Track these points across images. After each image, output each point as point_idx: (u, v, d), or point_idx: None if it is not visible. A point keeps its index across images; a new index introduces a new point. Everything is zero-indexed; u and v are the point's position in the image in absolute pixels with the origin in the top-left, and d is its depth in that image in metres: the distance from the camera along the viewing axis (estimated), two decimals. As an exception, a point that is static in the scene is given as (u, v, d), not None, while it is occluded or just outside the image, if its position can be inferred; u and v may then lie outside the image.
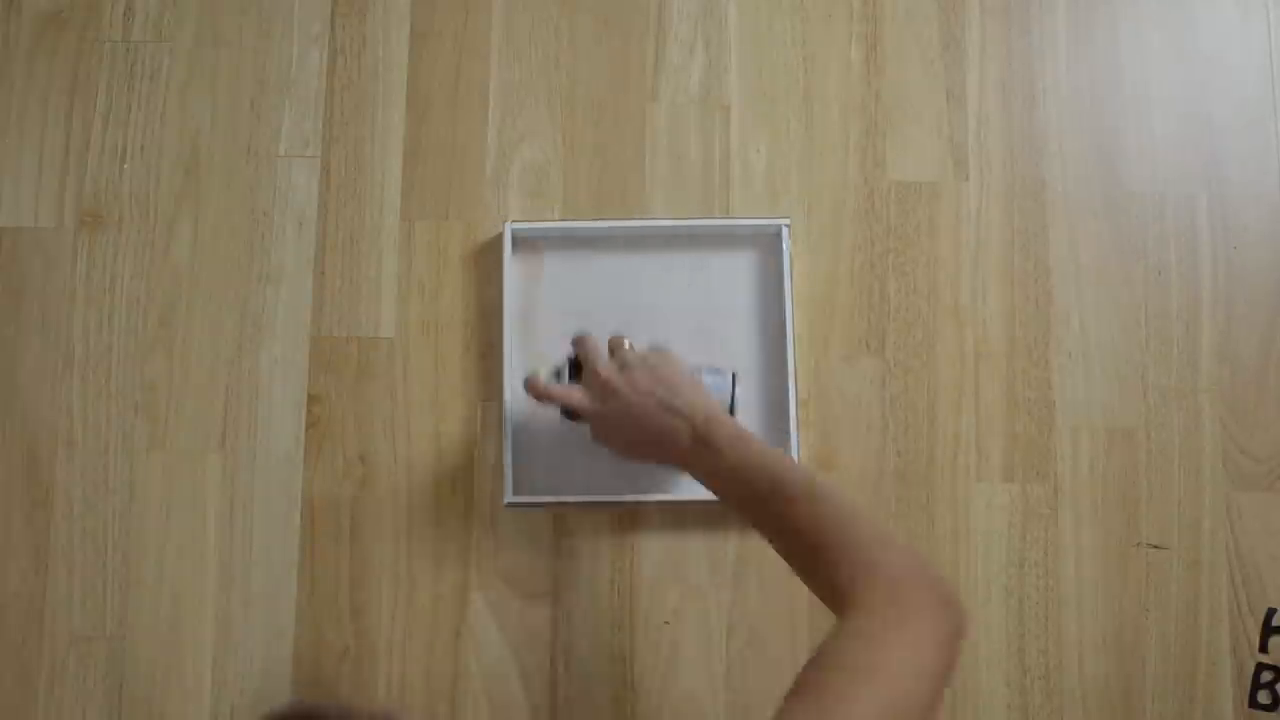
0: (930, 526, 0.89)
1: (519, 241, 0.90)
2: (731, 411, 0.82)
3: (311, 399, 0.89)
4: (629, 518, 0.88)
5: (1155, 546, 0.89)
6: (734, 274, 0.91)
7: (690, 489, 0.88)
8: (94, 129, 0.92)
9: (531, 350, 0.90)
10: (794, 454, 0.87)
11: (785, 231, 0.89)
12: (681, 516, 0.88)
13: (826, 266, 0.92)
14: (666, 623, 0.87)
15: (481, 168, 0.92)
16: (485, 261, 0.91)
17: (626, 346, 0.83)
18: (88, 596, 0.87)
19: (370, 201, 0.92)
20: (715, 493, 0.75)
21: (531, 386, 0.81)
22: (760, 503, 0.70)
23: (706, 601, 0.88)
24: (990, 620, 0.88)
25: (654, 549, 0.88)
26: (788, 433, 0.87)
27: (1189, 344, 0.91)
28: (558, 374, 0.84)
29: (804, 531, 0.68)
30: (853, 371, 0.90)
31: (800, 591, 0.87)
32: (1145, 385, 0.91)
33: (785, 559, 0.70)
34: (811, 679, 0.58)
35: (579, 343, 0.83)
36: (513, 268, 0.89)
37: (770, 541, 0.71)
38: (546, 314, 0.90)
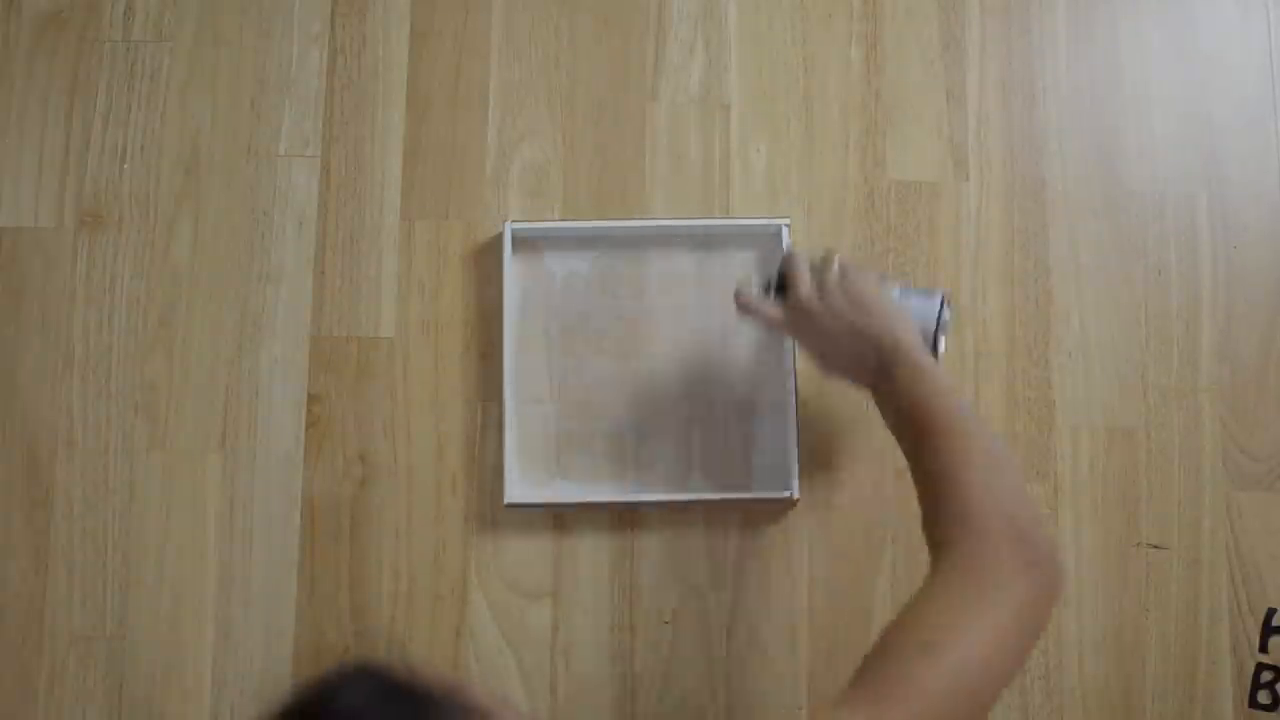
0: (930, 526, 0.89)
1: (519, 241, 0.90)
2: (936, 336, 0.80)
3: (311, 399, 0.89)
4: (629, 518, 0.88)
5: (1155, 546, 0.89)
6: (734, 274, 0.91)
7: (690, 489, 0.88)
8: (94, 129, 0.92)
9: (531, 351, 0.89)
10: (793, 453, 0.87)
11: (785, 231, 0.89)
12: (681, 516, 0.88)
13: (826, 266, 0.92)
14: (666, 622, 0.87)
15: (481, 168, 0.92)
16: (485, 261, 0.91)
17: (835, 264, 0.80)
18: (88, 596, 0.87)
19: (370, 201, 0.92)
20: (889, 425, 0.75)
21: (738, 299, 0.81)
22: (910, 439, 0.71)
23: (706, 601, 0.88)
24: (990, 620, 0.88)
25: (654, 549, 0.88)
26: (784, 429, 0.87)
27: (1189, 344, 0.91)
28: (766, 288, 0.83)
29: (925, 470, 0.68)
30: (853, 371, 0.90)
31: (800, 591, 0.87)
32: (1145, 385, 0.91)
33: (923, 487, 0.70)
34: (885, 647, 0.59)
35: (786, 260, 0.82)
36: (513, 267, 0.89)
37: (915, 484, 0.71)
38: (546, 313, 0.90)
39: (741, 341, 0.90)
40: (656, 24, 0.95)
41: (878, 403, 0.76)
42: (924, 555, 0.88)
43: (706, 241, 0.91)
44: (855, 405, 0.90)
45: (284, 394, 0.89)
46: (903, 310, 0.78)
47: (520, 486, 0.87)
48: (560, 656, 0.87)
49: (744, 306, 0.82)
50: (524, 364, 0.89)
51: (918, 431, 0.70)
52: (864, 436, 0.90)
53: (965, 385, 0.90)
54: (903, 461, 0.89)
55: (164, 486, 0.88)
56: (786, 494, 0.86)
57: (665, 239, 0.91)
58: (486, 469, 0.88)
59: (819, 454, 0.89)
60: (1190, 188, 0.94)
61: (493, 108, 0.93)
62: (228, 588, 0.87)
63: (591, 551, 0.88)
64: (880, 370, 0.75)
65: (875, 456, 0.89)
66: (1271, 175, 0.94)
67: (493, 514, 0.88)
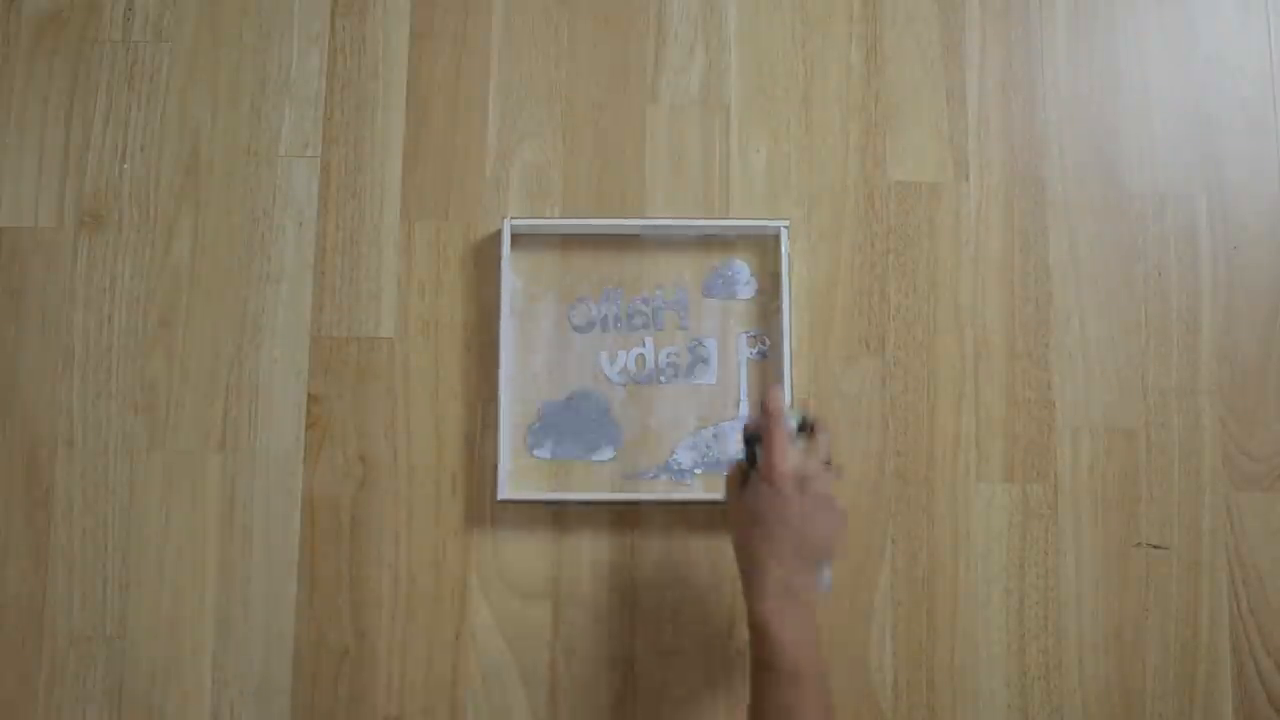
0: (930, 526, 0.89)
1: (518, 239, 0.90)
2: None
3: (311, 399, 0.89)
4: (629, 517, 0.88)
5: (1155, 546, 0.89)
6: (734, 274, 0.91)
7: (689, 489, 0.88)
8: (94, 129, 0.92)
9: (530, 348, 0.90)
10: None
11: (784, 234, 0.89)
12: (681, 516, 0.88)
13: (826, 266, 0.92)
14: (667, 622, 0.87)
15: (481, 168, 0.92)
16: (485, 261, 0.91)
17: (822, 447, 0.77)
18: (88, 596, 0.87)
19: (370, 201, 0.92)
20: (765, 639, 0.72)
21: (769, 404, 0.75)
22: (788, 677, 0.70)
23: (706, 601, 0.88)
24: (990, 620, 0.88)
25: (654, 549, 0.88)
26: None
27: (1189, 344, 0.91)
28: (747, 443, 0.77)
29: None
30: (853, 371, 0.90)
31: (800, 591, 0.87)
32: (1145, 385, 0.91)
33: None
34: None
35: (767, 416, 0.76)
36: (511, 264, 0.89)
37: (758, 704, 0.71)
38: (544, 311, 0.91)
39: (741, 342, 0.90)
40: (656, 24, 0.95)
41: (753, 635, 0.73)
42: (924, 556, 0.88)
43: (707, 242, 0.91)
44: (853, 406, 0.90)
45: (284, 394, 0.89)
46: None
47: (514, 483, 0.87)
48: (560, 656, 0.87)
49: (770, 414, 0.75)
50: (522, 363, 0.89)
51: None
52: (862, 437, 0.90)
53: (965, 385, 0.90)
54: (900, 462, 0.90)
55: (164, 486, 0.88)
56: None
57: (665, 239, 0.91)
58: (486, 469, 0.88)
59: (819, 454, 0.89)
60: (1190, 188, 0.94)
61: (493, 108, 0.93)
62: (228, 588, 0.87)
63: (591, 552, 0.88)
64: (774, 608, 0.72)
65: (875, 456, 0.90)
66: (1271, 176, 0.94)
67: (492, 514, 0.88)
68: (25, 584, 0.87)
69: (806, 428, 0.77)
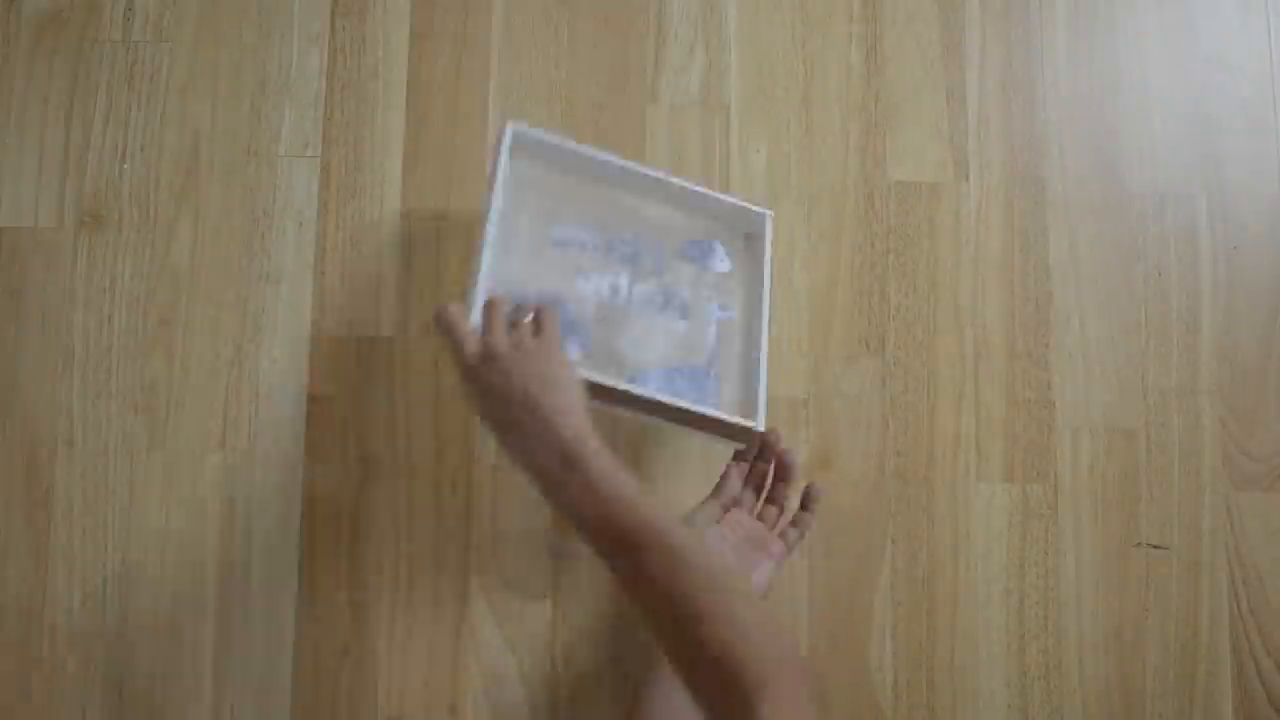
0: (930, 526, 0.89)
1: (515, 149, 0.84)
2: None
3: (311, 399, 0.89)
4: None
5: (1155, 546, 0.89)
6: (709, 248, 0.89)
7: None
8: (94, 129, 0.92)
9: (506, 249, 0.84)
10: (762, 395, 0.83)
11: (768, 221, 0.87)
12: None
13: (826, 266, 0.92)
14: (666, 623, 0.87)
15: (481, 168, 0.92)
16: (485, 261, 0.90)
17: (530, 314, 0.73)
18: (88, 596, 0.87)
19: (370, 202, 0.92)
20: (575, 522, 0.67)
21: (438, 315, 0.70)
22: (621, 548, 0.64)
23: (706, 601, 0.88)
24: (990, 620, 0.88)
25: (654, 549, 0.88)
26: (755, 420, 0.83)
27: (1189, 344, 0.92)
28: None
29: (667, 594, 0.61)
30: (853, 371, 0.90)
31: (800, 590, 0.88)
32: (1145, 385, 0.91)
33: (644, 619, 0.64)
34: None
35: (486, 306, 0.73)
36: (506, 170, 0.83)
37: (627, 595, 0.65)
38: (524, 223, 0.85)
39: (733, 333, 0.89)
40: (656, 24, 0.95)
41: (558, 502, 0.67)
42: (924, 556, 0.88)
43: (701, 228, 0.88)
44: (853, 406, 0.90)
45: (284, 394, 0.89)
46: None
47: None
48: (560, 656, 0.87)
49: (443, 324, 0.71)
50: (501, 266, 0.82)
51: (628, 537, 0.63)
52: (861, 437, 0.90)
53: (965, 385, 0.90)
54: (900, 462, 0.90)
55: (164, 486, 0.88)
56: (751, 425, 0.82)
57: (663, 224, 0.87)
58: (486, 469, 0.88)
59: (818, 454, 0.89)
60: (1190, 189, 0.94)
61: (493, 108, 0.93)
62: (228, 588, 0.87)
63: (591, 551, 0.88)
64: (567, 459, 0.66)
65: (875, 456, 0.90)
66: (1271, 176, 0.94)
67: (493, 514, 0.88)
68: (25, 584, 0.87)
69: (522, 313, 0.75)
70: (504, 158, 0.83)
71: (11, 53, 0.93)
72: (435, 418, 0.89)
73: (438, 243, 0.91)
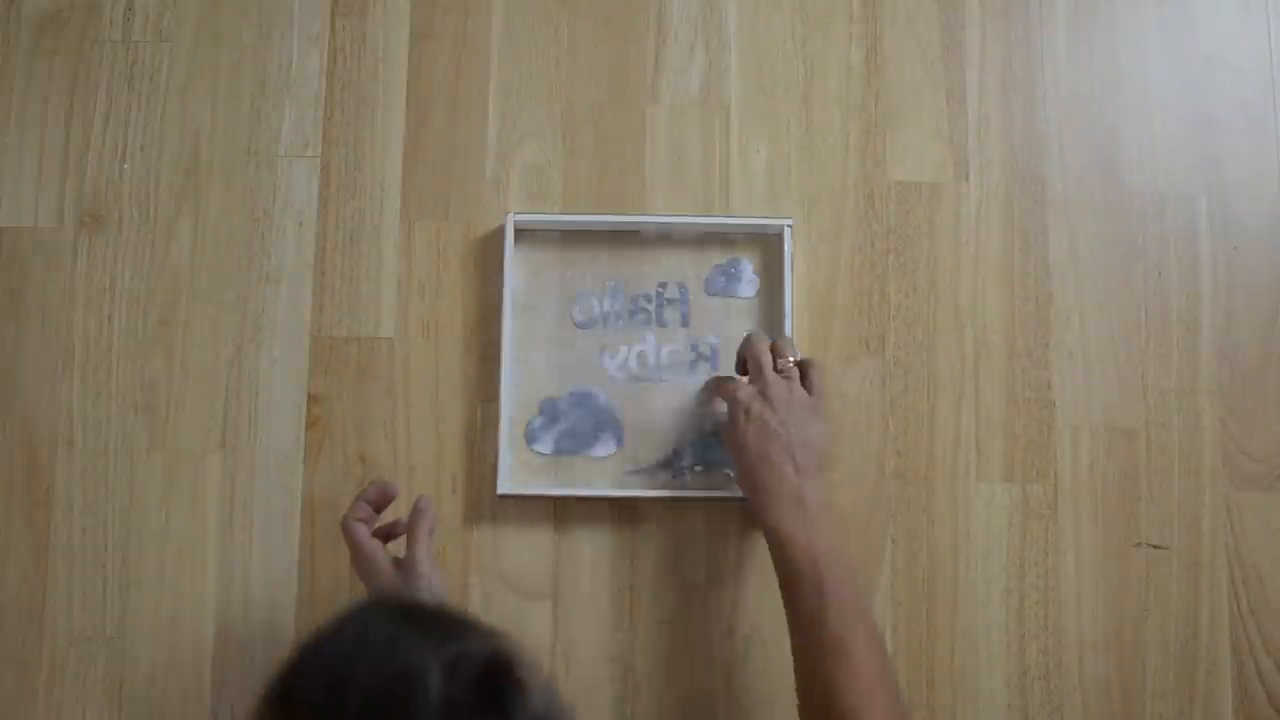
0: (930, 526, 0.89)
1: (521, 234, 0.89)
2: None
3: (311, 399, 0.89)
4: (629, 516, 0.88)
5: (1155, 546, 0.89)
6: (737, 272, 0.91)
7: (690, 486, 0.88)
8: (94, 129, 0.92)
9: (531, 344, 0.89)
10: None
11: (788, 233, 0.89)
12: (682, 515, 0.88)
13: (826, 266, 0.92)
14: (666, 622, 0.87)
15: (481, 168, 0.92)
16: (486, 261, 0.91)
17: (788, 363, 0.83)
18: (88, 596, 0.87)
19: (370, 201, 0.92)
20: (781, 566, 0.76)
21: (751, 337, 0.84)
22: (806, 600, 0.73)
23: (706, 601, 0.88)
24: (990, 620, 0.88)
25: (654, 548, 0.88)
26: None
27: (1189, 344, 0.91)
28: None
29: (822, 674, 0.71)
30: (853, 371, 0.90)
31: (800, 591, 0.87)
32: (1145, 385, 0.91)
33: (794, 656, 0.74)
34: None
35: (747, 342, 0.85)
36: (514, 264, 0.89)
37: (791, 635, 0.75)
38: (547, 306, 0.90)
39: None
40: (656, 25, 0.95)
41: (778, 536, 0.77)
42: (924, 556, 0.88)
43: (709, 241, 0.91)
44: (853, 406, 0.90)
45: (284, 394, 0.89)
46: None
47: (514, 478, 0.87)
48: (560, 656, 0.87)
49: (752, 357, 0.83)
50: (524, 359, 0.89)
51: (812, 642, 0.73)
52: (861, 437, 0.90)
53: (965, 385, 0.90)
54: (900, 462, 0.89)
55: (164, 486, 0.88)
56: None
57: (667, 239, 0.91)
58: (486, 469, 0.88)
59: (819, 454, 0.89)
60: (1190, 188, 0.94)
61: (493, 108, 0.93)
62: (228, 588, 0.87)
63: (591, 552, 0.88)
64: (796, 496, 0.77)
65: (875, 456, 0.90)
66: (1271, 176, 0.94)
67: (492, 514, 0.88)
68: (25, 584, 0.87)
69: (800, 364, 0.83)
70: (509, 249, 0.87)
71: (11, 53, 0.93)
72: (435, 418, 0.89)
73: (438, 242, 0.91)
